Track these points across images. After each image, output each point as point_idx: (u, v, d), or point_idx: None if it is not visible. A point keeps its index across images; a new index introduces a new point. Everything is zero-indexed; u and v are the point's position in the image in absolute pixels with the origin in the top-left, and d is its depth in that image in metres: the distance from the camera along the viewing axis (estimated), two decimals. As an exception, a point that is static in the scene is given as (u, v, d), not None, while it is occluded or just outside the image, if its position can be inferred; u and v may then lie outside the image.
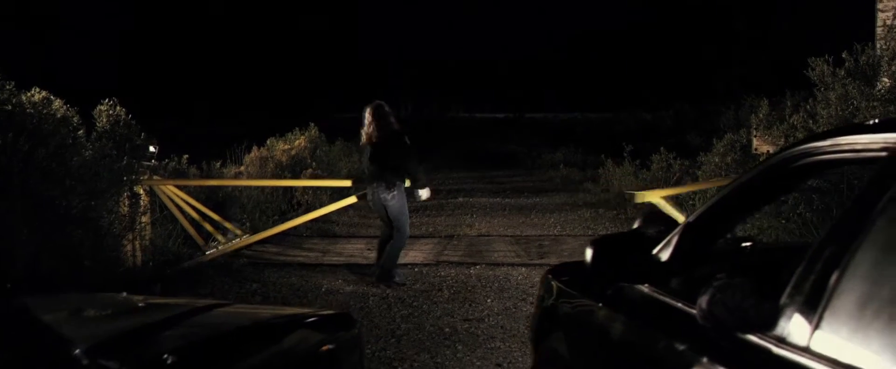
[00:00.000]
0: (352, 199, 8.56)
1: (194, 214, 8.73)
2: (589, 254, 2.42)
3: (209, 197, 9.61)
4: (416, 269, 8.32)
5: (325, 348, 3.11)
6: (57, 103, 6.98)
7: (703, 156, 10.63)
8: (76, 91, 8.65)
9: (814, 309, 1.66)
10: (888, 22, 8.96)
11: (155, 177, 8.67)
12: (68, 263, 6.54)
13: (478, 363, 5.43)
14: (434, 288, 7.58)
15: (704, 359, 2.02)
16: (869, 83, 8.05)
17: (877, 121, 2.00)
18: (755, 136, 11.07)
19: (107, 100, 8.37)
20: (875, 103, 7.57)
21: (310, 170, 12.32)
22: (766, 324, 1.77)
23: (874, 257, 1.59)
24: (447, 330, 6.20)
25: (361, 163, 7.85)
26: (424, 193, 7.78)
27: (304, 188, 11.48)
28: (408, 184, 7.66)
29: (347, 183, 8.65)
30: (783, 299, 1.77)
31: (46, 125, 6.51)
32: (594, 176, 15.25)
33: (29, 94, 6.77)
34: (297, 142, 13.02)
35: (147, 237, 8.23)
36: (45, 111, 6.68)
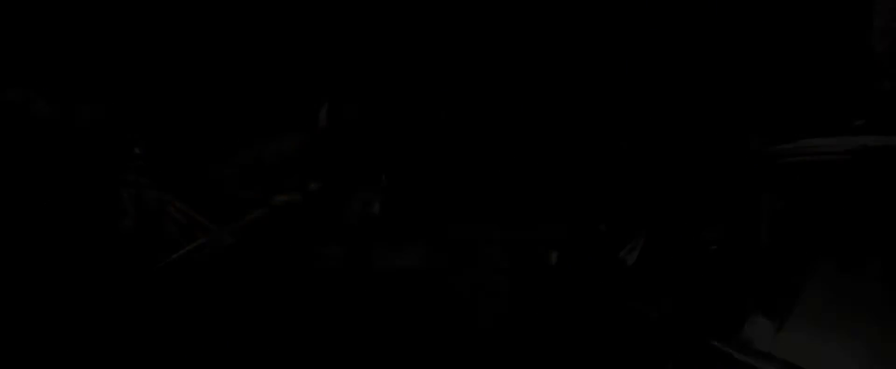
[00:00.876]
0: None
1: (181, 217, 8.63)
2: (554, 256, 2.33)
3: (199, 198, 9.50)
4: (407, 276, 8.20)
5: None
6: (39, 103, 6.91)
7: (700, 161, 10.55)
8: (62, 88, 8.56)
9: (776, 314, 1.58)
10: (890, 24, 8.91)
11: (141, 180, 8.58)
12: (48, 267, 6.47)
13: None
14: (425, 296, 7.45)
15: (668, 365, 1.93)
16: (869, 86, 7.99)
17: (841, 125, 2.00)
18: (754, 140, 11.02)
19: (92, 98, 8.26)
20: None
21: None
22: (730, 330, 1.69)
23: (836, 263, 1.53)
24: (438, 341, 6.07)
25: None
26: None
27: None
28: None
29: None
30: (747, 304, 1.69)
31: (26, 124, 6.43)
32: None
33: (7, 93, 6.70)
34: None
35: (132, 240, 8.14)
36: (25, 110, 6.60)
